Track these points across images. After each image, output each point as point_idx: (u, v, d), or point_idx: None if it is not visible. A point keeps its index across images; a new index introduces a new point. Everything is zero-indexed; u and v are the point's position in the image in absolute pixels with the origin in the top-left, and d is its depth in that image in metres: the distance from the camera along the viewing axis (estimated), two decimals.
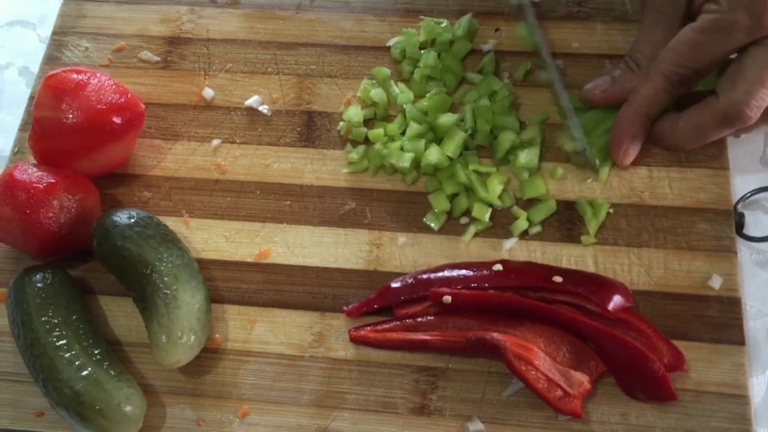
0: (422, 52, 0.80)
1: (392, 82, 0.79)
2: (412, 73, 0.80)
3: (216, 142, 0.79)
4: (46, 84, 0.72)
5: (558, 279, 0.67)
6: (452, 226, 0.74)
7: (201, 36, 0.84)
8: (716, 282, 0.69)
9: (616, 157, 0.72)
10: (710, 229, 0.71)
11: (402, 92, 0.78)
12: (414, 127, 0.75)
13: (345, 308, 0.70)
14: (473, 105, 0.76)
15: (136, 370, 0.70)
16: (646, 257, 0.70)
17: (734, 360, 0.66)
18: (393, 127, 0.76)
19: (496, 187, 0.73)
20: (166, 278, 0.66)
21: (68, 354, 0.64)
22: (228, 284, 0.73)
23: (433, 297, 0.68)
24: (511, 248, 0.72)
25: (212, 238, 0.75)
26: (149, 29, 0.85)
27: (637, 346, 0.64)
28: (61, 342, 0.65)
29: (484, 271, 0.69)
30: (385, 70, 0.80)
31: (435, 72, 0.79)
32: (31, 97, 0.82)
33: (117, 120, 0.72)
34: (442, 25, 0.81)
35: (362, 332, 0.69)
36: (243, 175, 0.77)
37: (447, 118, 0.75)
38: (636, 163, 0.74)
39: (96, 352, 0.66)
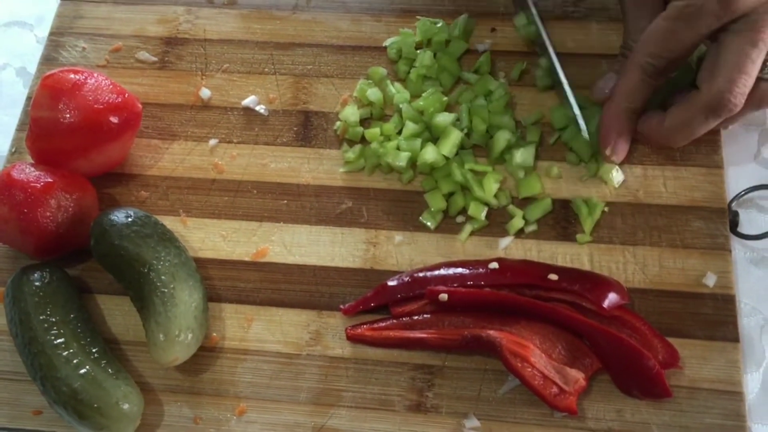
0: (418, 52, 0.80)
1: (388, 81, 0.79)
2: (409, 72, 0.80)
3: (213, 141, 0.79)
4: (44, 84, 0.72)
5: (553, 277, 0.68)
6: (448, 224, 0.74)
7: (198, 36, 0.85)
8: (710, 280, 0.69)
9: (604, 155, 0.72)
10: (705, 227, 0.71)
11: (398, 92, 0.78)
12: (410, 127, 0.75)
13: (342, 306, 0.71)
14: (469, 104, 0.76)
15: (133, 368, 0.70)
16: (641, 255, 0.71)
17: (728, 357, 0.67)
18: (389, 126, 0.77)
19: (492, 185, 0.73)
20: (163, 277, 0.66)
21: (66, 352, 0.65)
22: (225, 283, 0.73)
23: (429, 295, 0.68)
24: (507, 247, 0.72)
25: (209, 237, 0.75)
26: (146, 30, 0.85)
27: (632, 343, 0.64)
28: (58, 340, 0.65)
29: (480, 270, 0.69)
30: (382, 70, 0.80)
31: (431, 72, 0.79)
32: (29, 98, 0.82)
33: (114, 120, 0.73)
34: (438, 25, 0.81)
35: (359, 330, 0.69)
36: (240, 174, 0.78)
37: (443, 118, 0.75)
38: (630, 162, 0.74)
39: (94, 350, 0.66)
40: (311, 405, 0.68)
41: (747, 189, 0.73)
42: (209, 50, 0.84)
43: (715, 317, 0.68)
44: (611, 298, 0.66)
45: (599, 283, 0.67)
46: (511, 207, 0.73)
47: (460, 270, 0.70)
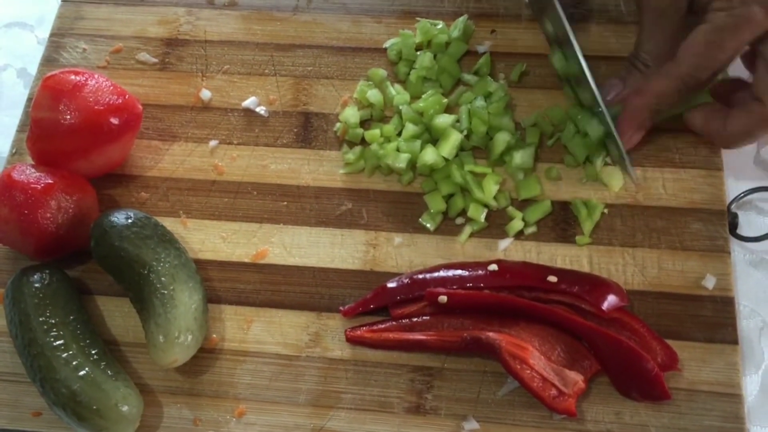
0: (418, 53, 0.80)
1: (388, 83, 0.79)
2: (408, 74, 0.80)
3: (213, 143, 0.79)
4: (44, 85, 0.72)
5: (553, 279, 0.68)
6: (448, 226, 0.74)
7: (198, 38, 0.85)
8: (710, 282, 0.69)
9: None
10: (704, 229, 0.71)
11: (398, 93, 0.78)
12: (410, 128, 0.76)
13: (341, 308, 0.71)
14: (469, 106, 0.76)
15: (133, 369, 0.70)
16: (641, 257, 0.71)
17: (728, 359, 0.67)
18: (389, 128, 0.77)
19: (491, 187, 0.73)
20: (163, 278, 0.67)
21: (65, 354, 0.65)
22: (225, 284, 0.73)
23: (428, 297, 0.68)
24: (507, 248, 0.72)
25: (209, 239, 0.75)
26: (147, 31, 0.86)
27: (632, 345, 0.64)
28: (58, 342, 0.65)
29: (480, 271, 0.70)
30: (382, 72, 0.80)
31: (431, 73, 0.79)
32: (29, 99, 0.83)
33: (114, 121, 0.73)
34: (438, 27, 0.81)
35: (358, 332, 0.69)
36: (240, 176, 0.78)
37: (443, 119, 0.75)
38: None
39: (93, 352, 0.66)
40: (310, 407, 0.68)
41: (746, 191, 0.73)
42: (210, 51, 0.84)
43: (714, 319, 0.68)
44: (610, 300, 0.66)
45: (598, 285, 0.67)
46: (510, 209, 0.73)
47: (459, 272, 0.70)
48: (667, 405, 0.65)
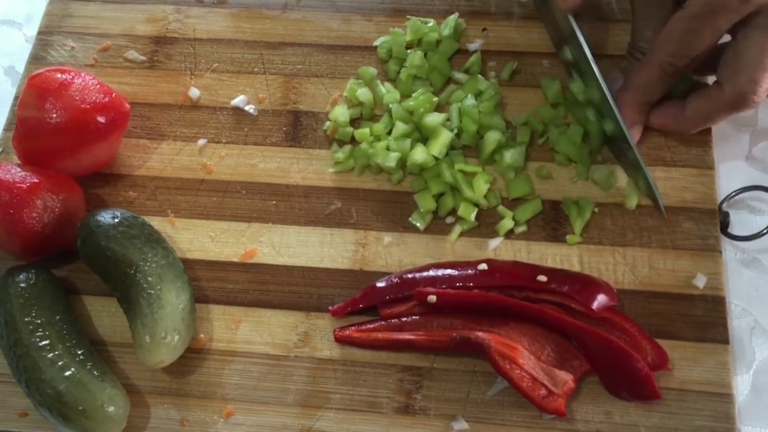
0: (409, 51, 0.80)
1: (378, 81, 0.79)
2: (399, 72, 0.80)
3: (202, 141, 0.79)
4: (30, 84, 0.72)
5: (543, 278, 0.67)
6: (438, 225, 0.74)
7: (187, 36, 0.84)
8: (701, 281, 0.69)
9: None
10: (695, 228, 0.71)
11: (388, 92, 0.78)
12: (400, 127, 0.75)
13: (330, 308, 0.70)
14: (459, 105, 0.76)
15: (120, 370, 0.69)
16: (631, 256, 0.71)
17: (718, 359, 0.66)
18: (379, 126, 0.76)
19: (481, 186, 0.73)
20: (150, 278, 0.66)
21: (51, 354, 0.64)
22: (213, 284, 0.72)
23: (418, 297, 0.68)
24: (497, 248, 0.72)
25: (197, 238, 0.75)
26: (135, 29, 0.85)
27: (621, 345, 0.64)
28: (44, 342, 0.65)
29: (469, 271, 0.69)
30: (372, 70, 0.79)
31: (421, 72, 0.79)
32: (17, 97, 0.82)
33: (101, 119, 0.72)
34: (429, 25, 0.81)
35: (347, 332, 0.69)
36: (229, 174, 0.77)
37: (433, 118, 0.75)
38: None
39: (79, 352, 0.65)
40: (299, 407, 0.67)
41: (738, 190, 0.73)
42: (198, 50, 0.83)
43: (705, 319, 0.68)
44: (600, 299, 0.66)
45: (588, 285, 0.67)
46: (500, 208, 0.73)
47: (449, 271, 0.70)
48: (658, 405, 0.65)
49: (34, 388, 0.64)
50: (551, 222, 0.73)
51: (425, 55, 0.80)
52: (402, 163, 0.74)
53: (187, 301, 0.67)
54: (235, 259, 0.73)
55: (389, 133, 0.76)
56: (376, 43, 0.82)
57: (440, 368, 0.68)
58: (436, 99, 0.77)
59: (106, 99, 0.73)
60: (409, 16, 0.82)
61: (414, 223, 0.73)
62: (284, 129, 0.79)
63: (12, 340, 0.65)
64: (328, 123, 0.78)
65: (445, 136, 0.74)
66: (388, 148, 0.75)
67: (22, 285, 0.68)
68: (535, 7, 0.81)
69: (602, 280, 0.68)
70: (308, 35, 0.83)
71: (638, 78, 0.70)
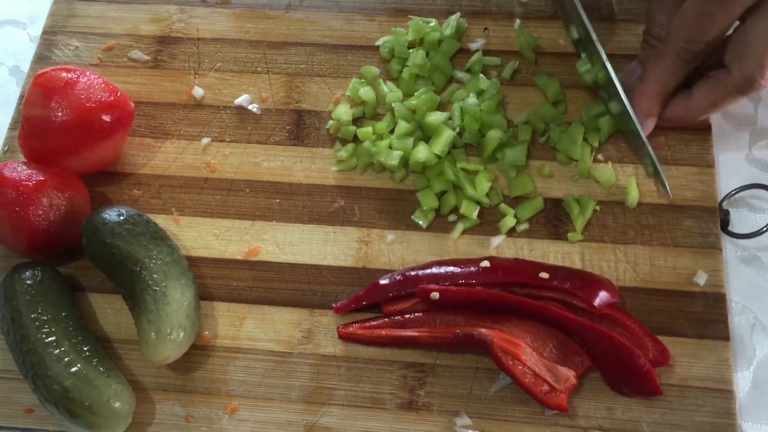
0: (411, 51, 0.80)
1: (381, 80, 0.79)
2: (401, 71, 0.80)
3: (206, 140, 0.79)
4: (36, 83, 0.72)
5: (545, 275, 0.68)
6: (440, 223, 0.74)
7: (191, 35, 0.85)
8: (701, 278, 0.69)
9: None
10: (696, 226, 0.72)
11: (390, 91, 0.78)
12: (402, 126, 0.76)
13: (334, 305, 0.71)
14: (461, 103, 0.76)
15: (125, 366, 0.70)
16: (632, 254, 0.71)
17: (719, 355, 0.67)
18: (382, 125, 0.77)
19: (483, 184, 0.73)
20: (155, 275, 0.67)
21: (57, 351, 0.65)
22: (217, 281, 0.73)
23: (421, 294, 0.68)
24: (499, 245, 0.72)
25: (202, 236, 0.75)
26: (139, 28, 0.85)
27: (623, 341, 0.65)
28: (50, 339, 0.65)
29: (472, 268, 0.70)
30: (374, 69, 0.80)
31: (423, 71, 0.79)
32: (22, 96, 0.82)
33: (106, 118, 0.73)
34: (431, 25, 0.81)
35: (351, 329, 0.69)
36: (232, 173, 0.78)
37: (435, 117, 0.75)
38: (621, 161, 0.75)
39: (85, 348, 0.66)
40: (303, 403, 0.68)
41: (738, 188, 0.74)
42: (202, 49, 0.84)
43: (706, 316, 0.68)
44: (602, 296, 0.66)
45: (590, 282, 0.68)
46: (502, 206, 0.74)
47: (451, 269, 0.70)
48: (659, 401, 0.66)
49: (40, 384, 0.64)
50: (553, 220, 0.73)
51: (427, 54, 0.80)
52: (404, 161, 0.75)
53: (192, 298, 0.67)
54: (239, 257, 0.74)
55: (392, 131, 0.77)
56: (379, 42, 0.82)
57: (443, 365, 0.68)
58: (438, 98, 0.77)
59: (111, 98, 0.73)
60: (411, 16, 0.83)
61: (416, 221, 0.74)
62: (287, 128, 0.79)
63: (18, 336, 0.66)
64: (330, 122, 0.79)
65: (447, 135, 0.74)
66: (390, 147, 0.75)
67: (29, 282, 0.68)
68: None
69: (604, 278, 0.69)
70: (311, 35, 0.84)
71: (655, 67, 0.70)
